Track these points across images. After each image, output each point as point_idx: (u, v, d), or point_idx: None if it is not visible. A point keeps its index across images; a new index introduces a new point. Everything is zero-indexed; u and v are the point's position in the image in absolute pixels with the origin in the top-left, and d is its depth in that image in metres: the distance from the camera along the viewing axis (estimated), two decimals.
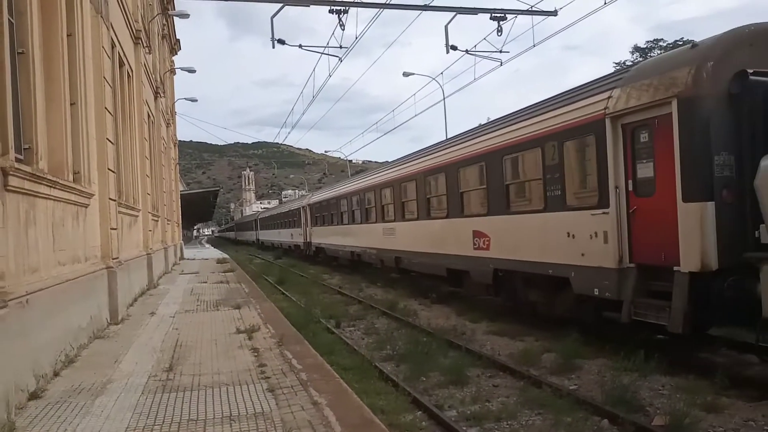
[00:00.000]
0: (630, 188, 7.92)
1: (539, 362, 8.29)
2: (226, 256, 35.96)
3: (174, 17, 27.69)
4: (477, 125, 13.51)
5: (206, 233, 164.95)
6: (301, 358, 7.18)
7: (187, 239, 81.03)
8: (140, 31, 16.55)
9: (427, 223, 14.60)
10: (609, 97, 8.19)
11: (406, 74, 34.44)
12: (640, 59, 48.08)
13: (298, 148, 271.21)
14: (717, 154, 6.89)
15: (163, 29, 27.99)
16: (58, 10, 7.89)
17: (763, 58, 6.35)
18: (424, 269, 15.30)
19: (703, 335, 8.21)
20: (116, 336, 9.04)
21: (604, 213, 8.21)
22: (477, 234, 11.90)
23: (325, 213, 26.66)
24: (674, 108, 7.07)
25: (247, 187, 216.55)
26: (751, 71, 6.74)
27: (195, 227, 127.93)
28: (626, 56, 51.14)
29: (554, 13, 13.56)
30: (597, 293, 8.38)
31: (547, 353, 8.66)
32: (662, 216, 7.31)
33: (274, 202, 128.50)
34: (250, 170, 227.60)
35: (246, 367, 6.74)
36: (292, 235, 36.22)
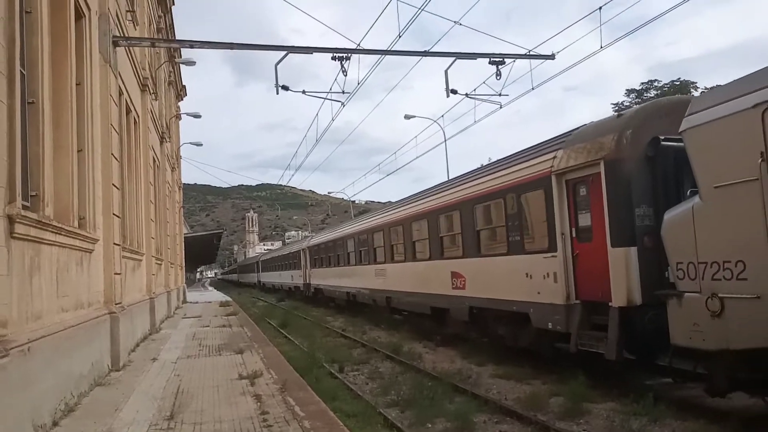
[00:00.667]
0: (573, 235, 9.22)
1: (547, 406, 8.13)
2: (228, 299, 35.78)
3: (180, 64, 28.35)
4: (456, 176, 14.73)
5: (209, 275, 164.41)
6: (304, 404, 7.07)
7: (190, 282, 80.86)
8: (147, 78, 16.94)
9: (413, 264, 15.90)
10: (554, 157, 9.57)
11: (407, 117, 34.90)
12: (637, 101, 48.88)
13: (301, 190, 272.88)
14: (638, 207, 8.12)
15: (170, 76, 28.63)
16: (68, 60, 8.11)
17: (674, 126, 7.25)
18: (411, 308, 16.47)
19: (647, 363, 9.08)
20: (117, 383, 8.93)
21: (553, 256, 9.48)
22: (455, 275, 13.15)
23: (323, 255, 27.87)
24: (602, 168, 8.46)
25: (251, 228, 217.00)
26: (663, 138, 7.94)
27: (198, 270, 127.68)
28: (623, 98, 51.69)
29: (552, 56, 13.84)
30: (550, 326, 9.55)
31: (555, 397, 8.51)
32: (598, 259, 8.55)
33: (278, 244, 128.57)
34: (254, 212, 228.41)
35: (248, 415, 6.63)
36: (292, 276, 37.29)
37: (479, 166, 12.20)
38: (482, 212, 12.10)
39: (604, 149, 8.48)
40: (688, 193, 7.21)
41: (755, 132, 5.96)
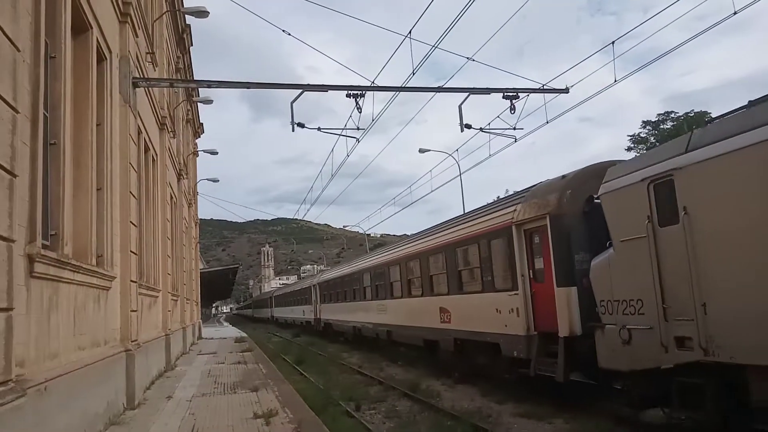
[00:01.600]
0: (531, 276, 10.93)
1: None
2: (244, 334, 35.61)
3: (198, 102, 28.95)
4: (442, 221, 16.69)
5: (225, 311, 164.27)
6: None
7: (206, 317, 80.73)
8: (165, 117, 17.28)
9: (409, 300, 17.58)
10: (515, 210, 11.43)
11: (422, 150, 35.02)
12: (654, 132, 48.70)
13: (317, 224, 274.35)
14: (577, 254, 9.76)
15: (188, 114, 29.21)
16: (89, 102, 8.30)
17: None
18: (408, 340, 17.86)
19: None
20: (132, 422, 8.84)
21: (515, 294, 11.15)
22: (442, 310, 14.73)
23: (332, 291, 29.50)
24: (548, 221, 10.26)
25: (266, 263, 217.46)
26: (596, 196, 9.12)
27: (213, 305, 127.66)
28: (639, 129, 51.66)
29: (566, 90, 13.88)
30: (516, 354, 11.13)
31: None
32: (549, 297, 10.15)
33: (293, 278, 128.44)
34: (270, 246, 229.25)
35: None
36: (303, 312, 38.57)
37: (468, 210, 14.27)
38: (462, 255, 13.93)
39: (549, 206, 10.33)
40: (608, 244, 8.62)
41: (644, 200, 7.81)
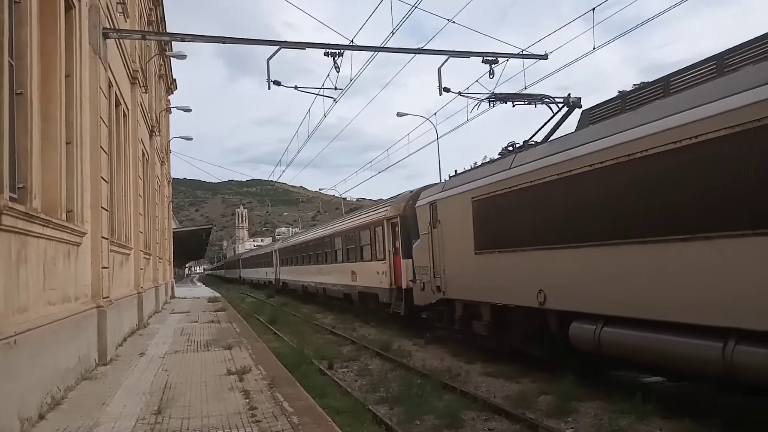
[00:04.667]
0: (393, 251, 17.46)
1: (535, 405, 8.17)
2: (217, 294, 35.62)
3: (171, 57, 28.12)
4: (352, 210, 26.02)
5: (198, 271, 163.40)
6: (293, 400, 7.05)
7: (179, 277, 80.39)
8: (137, 71, 16.79)
9: (334, 265, 24.25)
10: (386, 210, 18.19)
11: (400, 114, 34.85)
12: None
13: (292, 186, 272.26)
14: (413, 240, 15.13)
15: (160, 69, 28.39)
16: (57, 52, 8.01)
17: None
18: (335, 294, 24.31)
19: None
20: (104, 377, 8.86)
21: (385, 263, 17.75)
22: (353, 272, 21.32)
23: (289, 257, 36.04)
24: (399, 219, 17.02)
25: (241, 225, 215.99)
26: (426, 203, 14.01)
27: (187, 265, 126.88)
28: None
29: (545, 56, 13.84)
30: (385, 300, 17.79)
31: (544, 395, 8.55)
32: (399, 264, 16.81)
33: (267, 240, 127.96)
34: (244, 208, 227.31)
35: (236, 410, 6.60)
36: (266, 273, 45.85)
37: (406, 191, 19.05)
38: (362, 235, 20.48)
39: (400, 209, 17.03)
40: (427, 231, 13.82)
41: (428, 213, 13.63)
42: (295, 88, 13.43)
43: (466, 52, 13.38)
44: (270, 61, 12.32)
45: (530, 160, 9.70)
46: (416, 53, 13.53)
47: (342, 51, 12.43)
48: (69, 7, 8.81)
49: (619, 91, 9.21)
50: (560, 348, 9.28)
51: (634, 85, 9.17)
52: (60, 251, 7.84)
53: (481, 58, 13.42)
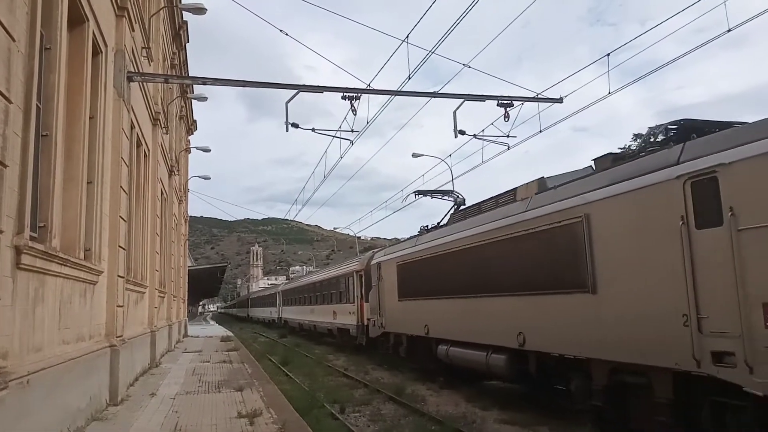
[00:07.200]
0: (360, 296, 21.81)
1: None
2: (230, 333, 35.45)
3: (192, 100, 28.83)
4: (326, 266, 35.15)
5: (212, 309, 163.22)
6: None
7: (192, 315, 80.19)
8: (159, 113, 17.19)
9: (319, 307, 29.78)
10: (358, 263, 22.97)
11: (415, 155, 35.04)
12: (642, 144, 49.06)
13: (307, 225, 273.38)
14: (370, 287, 19.65)
15: (181, 110, 29.07)
16: (83, 95, 8.26)
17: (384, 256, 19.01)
18: (322, 330, 29.49)
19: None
20: (114, 418, 8.76)
21: (353, 305, 22.63)
22: (333, 312, 26.27)
23: (289, 298, 41.53)
24: (363, 272, 21.65)
25: (255, 263, 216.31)
26: (375, 263, 19.22)
27: (200, 303, 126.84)
28: (630, 141, 52.12)
29: (560, 100, 13.94)
30: (353, 333, 22.47)
31: None
32: (363, 307, 21.48)
33: (282, 279, 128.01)
34: (259, 246, 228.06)
35: None
36: (271, 312, 51.63)
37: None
38: (338, 283, 25.87)
39: (363, 264, 21.83)
40: (373, 285, 18.91)
41: (377, 270, 18.80)
42: (313, 130, 13.64)
43: (482, 95, 13.53)
44: (288, 104, 12.57)
45: (424, 241, 15.14)
46: (432, 97, 13.72)
47: (359, 95, 12.65)
48: (96, 52, 9.11)
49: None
50: (442, 364, 14.13)
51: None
52: (76, 290, 7.89)
53: (496, 102, 13.56)
